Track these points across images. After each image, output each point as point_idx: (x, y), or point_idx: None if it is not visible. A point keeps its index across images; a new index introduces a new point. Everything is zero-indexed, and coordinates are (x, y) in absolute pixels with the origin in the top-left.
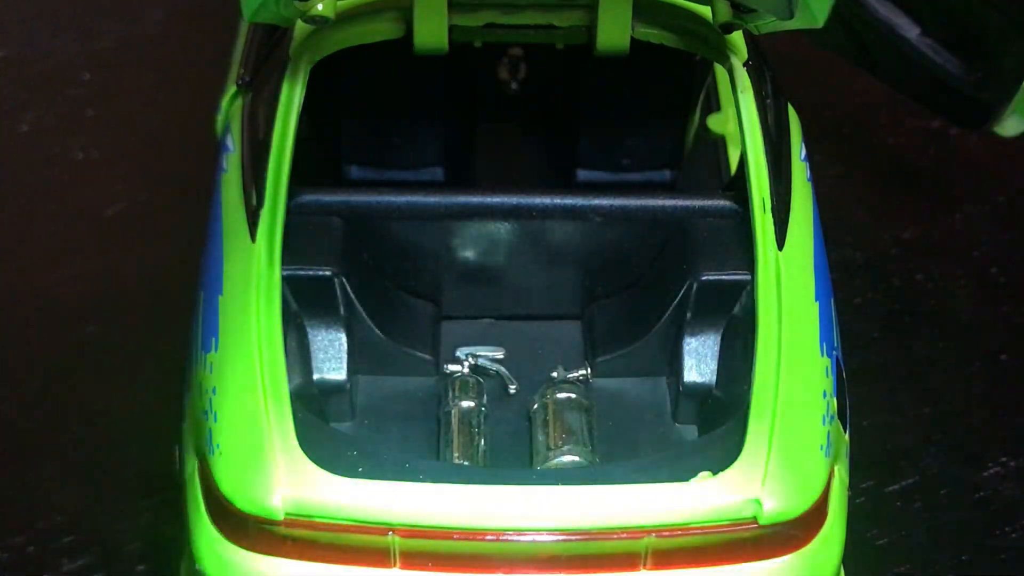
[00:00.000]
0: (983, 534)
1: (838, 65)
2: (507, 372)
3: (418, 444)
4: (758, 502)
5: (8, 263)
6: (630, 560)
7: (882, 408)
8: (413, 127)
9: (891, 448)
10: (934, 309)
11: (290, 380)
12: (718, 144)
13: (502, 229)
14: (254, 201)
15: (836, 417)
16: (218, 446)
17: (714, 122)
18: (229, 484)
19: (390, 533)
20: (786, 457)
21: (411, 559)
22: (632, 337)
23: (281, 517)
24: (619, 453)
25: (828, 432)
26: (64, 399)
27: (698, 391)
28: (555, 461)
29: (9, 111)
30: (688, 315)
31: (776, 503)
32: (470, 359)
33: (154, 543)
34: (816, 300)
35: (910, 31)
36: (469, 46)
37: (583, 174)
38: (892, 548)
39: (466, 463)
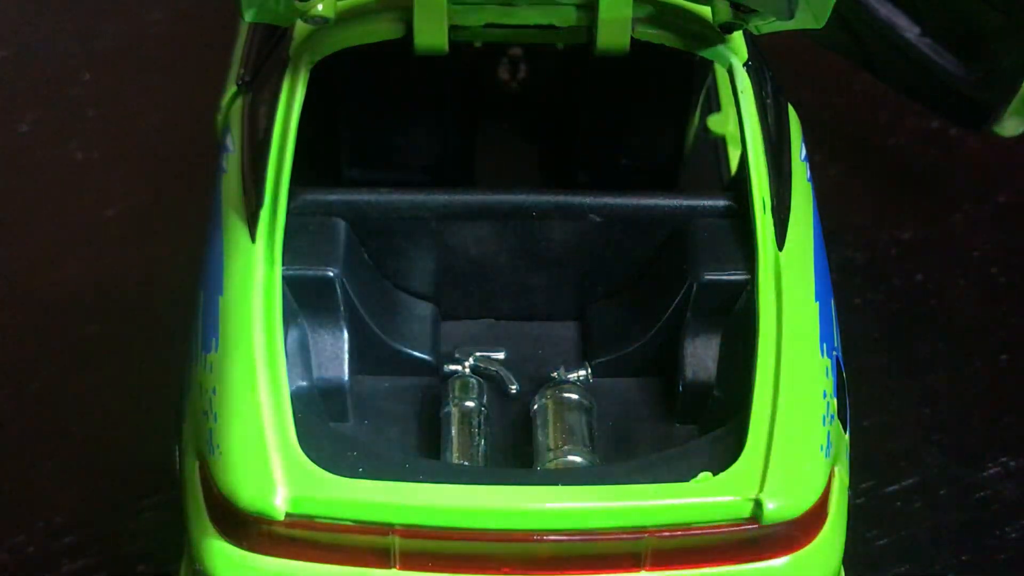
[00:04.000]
0: (983, 534)
1: (838, 65)
2: (507, 372)
3: (418, 444)
4: (758, 502)
5: (8, 263)
6: (630, 560)
7: (882, 408)
8: (413, 127)
9: (891, 448)
10: (934, 309)
11: (290, 380)
12: (718, 144)
13: (502, 229)
14: (254, 201)
15: (836, 417)
16: (218, 446)
17: (714, 122)
18: (229, 484)
19: (390, 533)
20: (786, 457)
21: (411, 559)
22: (632, 337)
23: (281, 517)
24: (619, 453)
25: (828, 432)
26: (64, 399)
27: (698, 391)
28: (555, 461)
29: (9, 111)
30: (688, 315)
31: (776, 503)
32: (470, 359)
33: (154, 543)
34: (816, 300)
35: (910, 31)
36: (469, 46)
37: (583, 174)
38: (892, 548)
39: (466, 463)
